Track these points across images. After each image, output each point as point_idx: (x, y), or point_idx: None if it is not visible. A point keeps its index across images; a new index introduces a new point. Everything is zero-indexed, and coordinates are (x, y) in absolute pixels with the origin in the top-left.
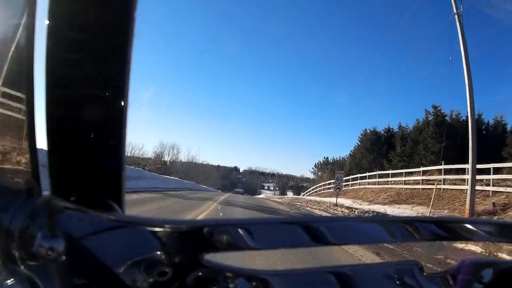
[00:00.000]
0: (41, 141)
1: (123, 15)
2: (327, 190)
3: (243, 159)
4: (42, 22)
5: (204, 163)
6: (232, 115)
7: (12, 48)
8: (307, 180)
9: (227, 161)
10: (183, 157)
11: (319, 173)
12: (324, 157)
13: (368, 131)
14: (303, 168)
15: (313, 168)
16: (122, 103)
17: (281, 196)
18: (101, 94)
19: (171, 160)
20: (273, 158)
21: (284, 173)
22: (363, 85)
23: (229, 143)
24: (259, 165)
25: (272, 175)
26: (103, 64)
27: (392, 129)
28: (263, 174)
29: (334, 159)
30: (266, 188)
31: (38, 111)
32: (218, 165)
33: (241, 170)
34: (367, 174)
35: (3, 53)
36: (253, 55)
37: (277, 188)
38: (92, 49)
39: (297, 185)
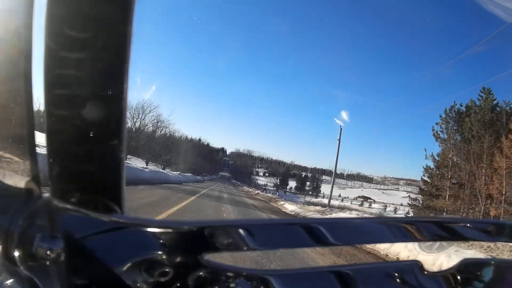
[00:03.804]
0: (41, 142)
1: (122, 14)
2: None
3: (229, 142)
4: (41, 22)
5: (176, 135)
6: (220, 93)
7: (11, 48)
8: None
9: (212, 141)
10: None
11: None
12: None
13: None
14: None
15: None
16: (122, 103)
17: None
18: (100, 94)
19: (137, 128)
20: (262, 142)
21: (274, 158)
22: None
23: (218, 122)
24: (246, 148)
25: (262, 159)
26: (103, 64)
27: None
28: (251, 157)
29: None
30: (255, 173)
31: (37, 111)
32: (200, 140)
33: (228, 152)
34: None
35: (2, 53)
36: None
37: (266, 174)
38: (92, 49)
39: (300, 175)
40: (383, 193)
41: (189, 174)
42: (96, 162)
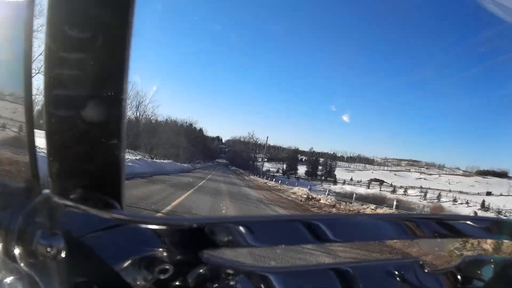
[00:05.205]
0: (41, 140)
1: (122, 15)
2: None
3: (224, 131)
4: (41, 22)
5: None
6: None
7: (12, 48)
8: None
9: (206, 130)
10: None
11: None
12: None
13: None
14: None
15: None
16: (122, 103)
17: None
18: (100, 94)
19: None
20: (258, 129)
21: (272, 144)
22: None
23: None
24: (243, 135)
25: (259, 145)
26: (103, 64)
27: None
28: (249, 143)
29: None
30: (254, 159)
31: (37, 111)
32: (191, 125)
33: (223, 140)
34: None
35: (3, 53)
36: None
37: (265, 160)
38: (91, 49)
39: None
40: (395, 175)
41: (166, 161)
42: (96, 160)
